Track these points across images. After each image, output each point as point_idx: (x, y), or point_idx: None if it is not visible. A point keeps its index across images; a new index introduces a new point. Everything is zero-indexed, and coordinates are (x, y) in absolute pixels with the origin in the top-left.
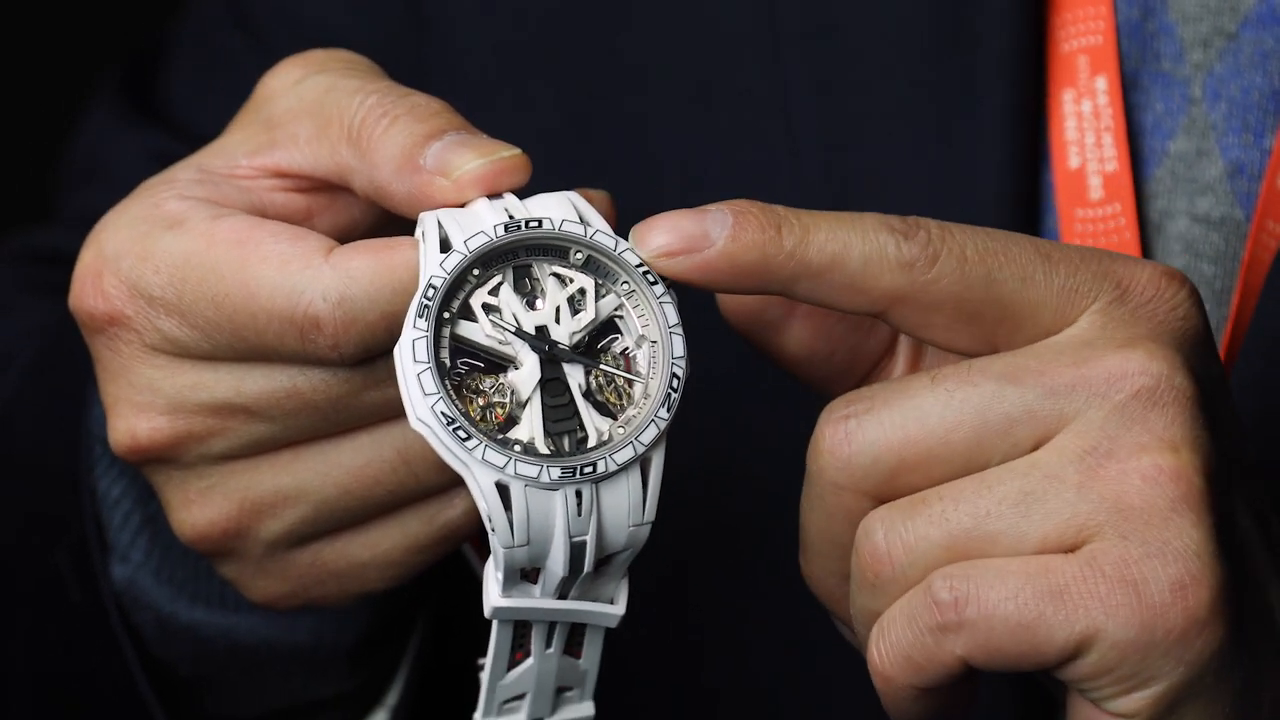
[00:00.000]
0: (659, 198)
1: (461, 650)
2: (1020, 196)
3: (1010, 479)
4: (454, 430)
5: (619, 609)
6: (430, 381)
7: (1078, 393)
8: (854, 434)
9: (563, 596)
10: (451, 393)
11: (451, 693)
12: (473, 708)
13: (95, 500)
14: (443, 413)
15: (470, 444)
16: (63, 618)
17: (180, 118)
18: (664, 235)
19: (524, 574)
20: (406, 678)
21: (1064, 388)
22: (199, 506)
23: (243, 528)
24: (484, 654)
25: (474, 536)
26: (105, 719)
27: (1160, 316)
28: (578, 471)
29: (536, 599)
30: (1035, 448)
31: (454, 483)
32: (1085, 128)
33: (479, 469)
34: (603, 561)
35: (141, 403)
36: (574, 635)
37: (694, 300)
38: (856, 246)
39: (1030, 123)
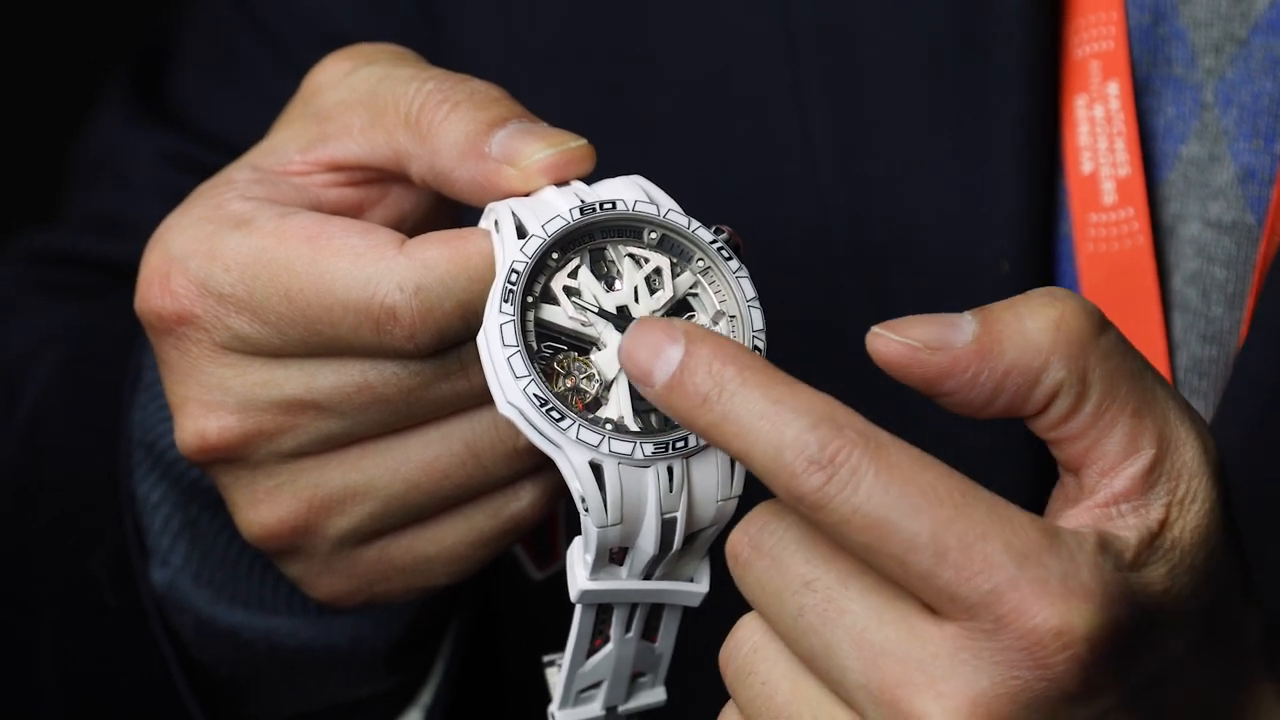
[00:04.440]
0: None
1: (497, 650)
2: (1033, 202)
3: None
4: (547, 411)
5: (702, 587)
6: (521, 364)
7: (881, 708)
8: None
9: (647, 577)
10: (541, 375)
11: (485, 692)
12: (505, 705)
13: (135, 504)
14: (535, 395)
15: (564, 424)
16: (97, 622)
17: (191, 118)
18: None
19: (610, 556)
20: (442, 677)
21: (875, 692)
22: (267, 505)
23: (311, 525)
24: (540, 652)
25: (529, 534)
26: None
27: (1017, 673)
28: (670, 447)
29: (623, 580)
30: (839, 700)
31: (520, 475)
32: (1098, 133)
33: (573, 449)
34: (688, 539)
35: (211, 402)
36: (651, 619)
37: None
38: (759, 453)
39: (1043, 128)
